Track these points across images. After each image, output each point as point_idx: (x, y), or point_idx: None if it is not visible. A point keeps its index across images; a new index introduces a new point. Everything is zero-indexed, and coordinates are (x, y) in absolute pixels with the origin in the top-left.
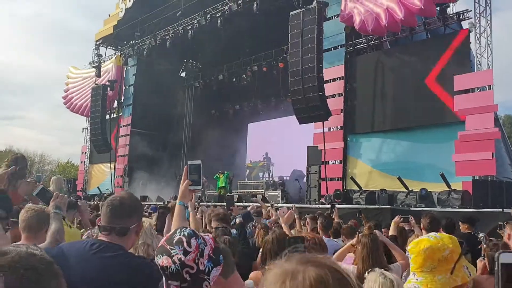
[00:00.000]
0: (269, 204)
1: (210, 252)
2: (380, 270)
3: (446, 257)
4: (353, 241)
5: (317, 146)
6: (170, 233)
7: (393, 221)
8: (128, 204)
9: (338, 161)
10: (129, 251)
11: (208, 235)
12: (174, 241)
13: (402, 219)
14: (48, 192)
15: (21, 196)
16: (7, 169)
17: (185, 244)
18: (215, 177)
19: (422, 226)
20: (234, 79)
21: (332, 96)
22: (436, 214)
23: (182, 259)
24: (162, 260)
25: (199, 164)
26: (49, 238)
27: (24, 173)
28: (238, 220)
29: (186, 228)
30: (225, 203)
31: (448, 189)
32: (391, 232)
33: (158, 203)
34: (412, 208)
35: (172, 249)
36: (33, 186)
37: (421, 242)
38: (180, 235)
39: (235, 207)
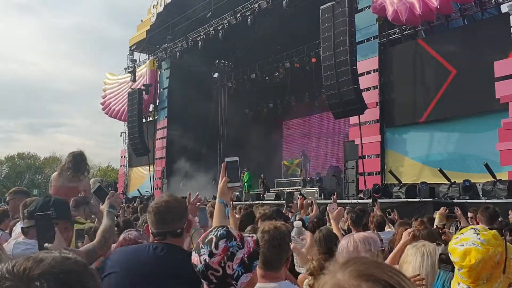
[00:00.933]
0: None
1: (245, 256)
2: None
3: (498, 261)
4: (406, 239)
5: (353, 141)
6: (209, 230)
7: (438, 212)
8: (175, 207)
9: (375, 155)
10: None
11: (251, 237)
12: (206, 240)
13: (447, 210)
14: (104, 191)
15: (80, 191)
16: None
17: (212, 245)
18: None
19: (478, 220)
20: (266, 77)
21: (367, 89)
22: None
23: (207, 260)
24: (193, 257)
25: (236, 161)
26: (98, 236)
27: (83, 168)
28: (298, 217)
29: (224, 227)
30: (257, 202)
31: (493, 179)
32: (437, 223)
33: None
34: (456, 201)
35: (201, 248)
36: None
37: (469, 254)
38: (212, 234)
39: (294, 204)
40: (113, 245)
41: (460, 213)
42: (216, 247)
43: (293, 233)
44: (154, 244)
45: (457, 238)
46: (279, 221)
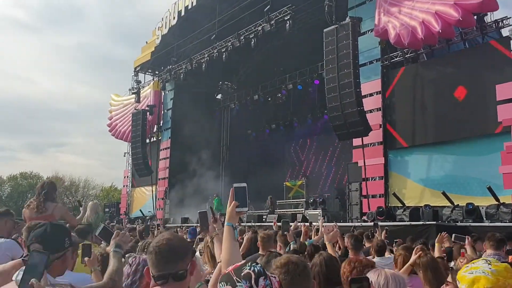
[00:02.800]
0: (316, 223)
1: None
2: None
3: None
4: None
5: (357, 163)
6: (240, 263)
7: (436, 240)
8: (177, 246)
9: (379, 177)
10: None
11: (275, 277)
12: (242, 274)
13: (453, 237)
14: (109, 231)
15: (55, 219)
16: (37, 197)
17: (252, 282)
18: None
19: (485, 246)
20: (269, 99)
21: (370, 111)
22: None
23: None
24: None
25: (244, 187)
26: (106, 278)
27: (53, 196)
28: (292, 247)
29: (258, 264)
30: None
31: (497, 202)
32: (437, 254)
33: (197, 224)
34: (459, 224)
35: (238, 282)
36: (63, 209)
37: (477, 281)
38: (250, 269)
39: (290, 233)
40: None
41: (470, 241)
42: (256, 284)
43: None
44: None
45: (467, 266)
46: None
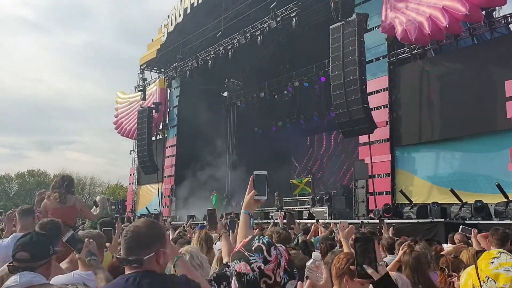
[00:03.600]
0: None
1: (286, 264)
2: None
3: None
4: (395, 260)
5: (363, 160)
6: (247, 239)
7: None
8: (143, 234)
9: (386, 174)
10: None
11: (282, 247)
12: (253, 248)
13: (460, 228)
14: (79, 239)
15: (77, 210)
16: (59, 189)
17: (265, 253)
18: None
19: (489, 242)
20: (275, 96)
21: (377, 108)
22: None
23: (262, 267)
24: (239, 266)
25: (265, 175)
26: None
27: (72, 190)
28: (300, 239)
29: (265, 236)
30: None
31: (506, 200)
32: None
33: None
34: (467, 221)
35: (251, 256)
36: (82, 203)
37: (499, 278)
38: (259, 242)
39: (295, 225)
40: None
41: (476, 234)
42: (269, 254)
43: (309, 263)
44: (125, 277)
45: (492, 262)
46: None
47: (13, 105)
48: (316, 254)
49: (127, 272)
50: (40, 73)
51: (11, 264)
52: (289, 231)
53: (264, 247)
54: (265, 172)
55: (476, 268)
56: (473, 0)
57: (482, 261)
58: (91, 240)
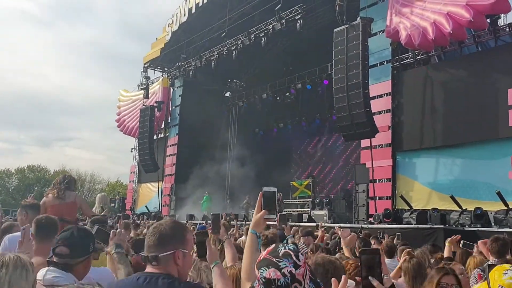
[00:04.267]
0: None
1: (309, 273)
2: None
3: None
4: (397, 267)
5: (365, 164)
6: (271, 247)
7: (448, 241)
8: (163, 232)
9: (387, 179)
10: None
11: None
12: (281, 254)
13: (462, 243)
14: (105, 232)
15: (76, 206)
16: (58, 186)
17: (294, 257)
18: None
19: (488, 249)
20: (278, 98)
21: (379, 112)
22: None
23: (293, 272)
24: (269, 273)
25: (274, 192)
26: None
27: (72, 188)
28: (290, 241)
29: (288, 243)
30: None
31: (506, 208)
32: (446, 254)
33: (202, 221)
34: (467, 228)
35: (280, 262)
36: (82, 199)
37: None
38: (286, 249)
39: (287, 226)
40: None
41: (477, 250)
42: (298, 259)
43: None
44: (138, 275)
45: (505, 273)
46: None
47: (14, 100)
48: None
49: (146, 270)
50: (42, 68)
51: (51, 258)
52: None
53: (292, 253)
54: (275, 189)
55: (488, 280)
56: (477, 6)
57: (495, 272)
58: (118, 231)
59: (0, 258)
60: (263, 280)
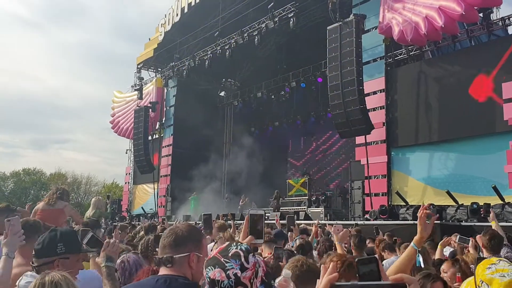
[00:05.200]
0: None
1: (263, 275)
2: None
3: None
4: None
5: (360, 161)
6: (224, 245)
7: (440, 243)
8: (179, 234)
9: (382, 175)
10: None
11: (259, 257)
12: (230, 254)
13: (457, 238)
14: (98, 240)
15: (65, 215)
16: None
17: (242, 259)
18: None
19: (481, 244)
20: (272, 96)
21: (373, 109)
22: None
23: (238, 274)
24: (214, 273)
25: (261, 215)
26: None
27: (64, 198)
28: (298, 242)
29: (243, 243)
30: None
31: (502, 202)
32: (437, 255)
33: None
34: (463, 223)
35: (227, 262)
36: (72, 210)
37: (493, 283)
38: (237, 248)
39: (295, 227)
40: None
41: (474, 244)
42: (247, 261)
43: (278, 280)
44: (156, 277)
45: (489, 268)
46: (279, 243)
47: (8, 103)
48: (286, 272)
49: (161, 273)
50: (35, 71)
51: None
52: (289, 232)
53: (242, 254)
54: (262, 212)
55: (474, 274)
56: (469, 0)
57: (480, 266)
58: (111, 241)
59: (50, 278)
60: (208, 279)
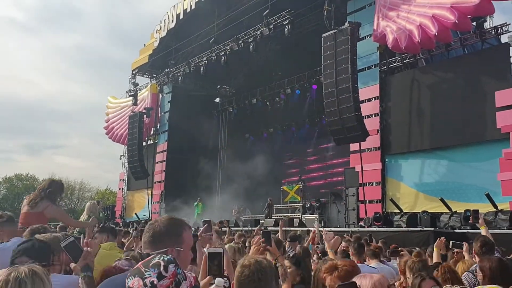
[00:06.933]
0: (313, 228)
1: (189, 285)
2: None
3: None
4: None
5: (354, 168)
6: (149, 257)
7: (435, 245)
8: (157, 229)
9: (376, 182)
10: None
11: (191, 274)
12: (151, 264)
13: (451, 243)
14: (78, 247)
15: (46, 218)
16: (38, 193)
17: (161, 268)
18: (195, 204)
19: (473, 250)
20: (267, 103)
21: (368, 116)
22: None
23: (155, 282)
24: (132, 282)
25: (220, 253)
26: None
27: (54, 197)
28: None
29: (169, 255)
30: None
31: (495, 209)
32: (435, 259)
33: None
34: (457, 230)
35: (146, 271)
36: (55, 211)
37: None
38: (159, 259)
39: (272, 247)
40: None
41: (467, 249)
42: (166, 270)
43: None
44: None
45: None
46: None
47: (1, 107)
48: (219, 280)
49: None
50: (29, 75)
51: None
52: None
53: (162, 263)
54: (220, 250)
55: None
56: (462, 8)
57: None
58: (91, 249)
59: (15, 274)
60: None
